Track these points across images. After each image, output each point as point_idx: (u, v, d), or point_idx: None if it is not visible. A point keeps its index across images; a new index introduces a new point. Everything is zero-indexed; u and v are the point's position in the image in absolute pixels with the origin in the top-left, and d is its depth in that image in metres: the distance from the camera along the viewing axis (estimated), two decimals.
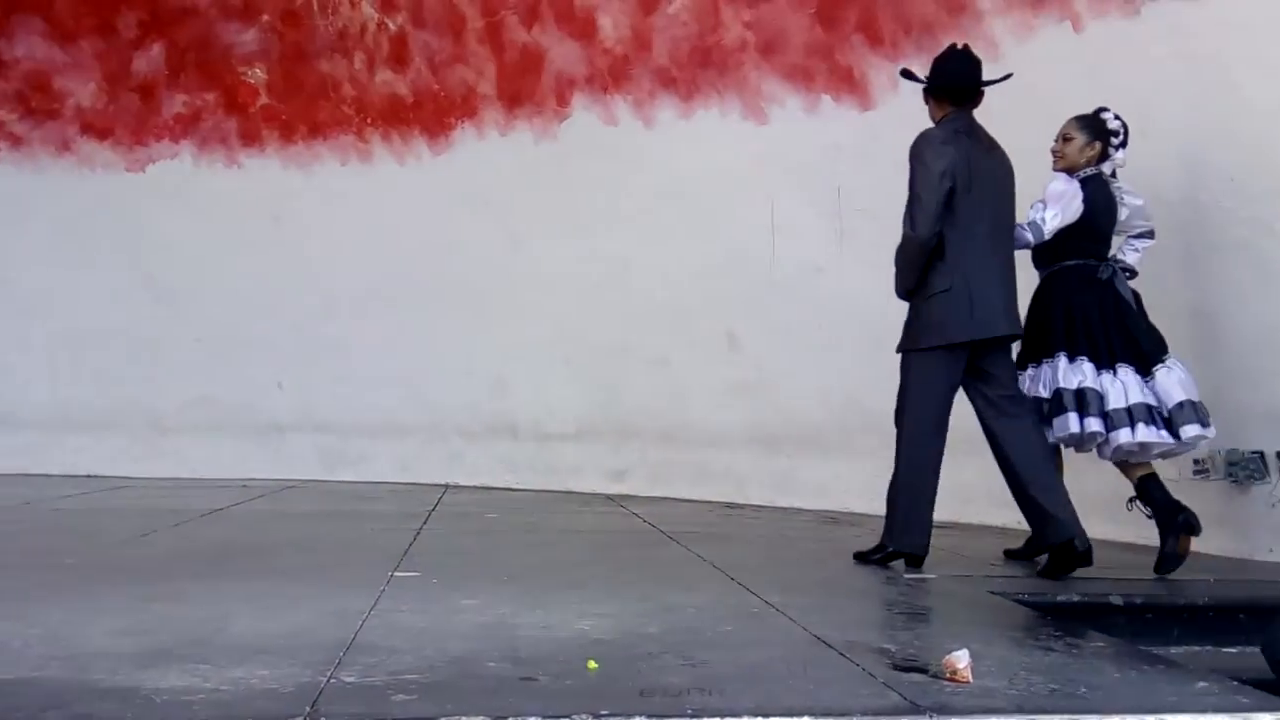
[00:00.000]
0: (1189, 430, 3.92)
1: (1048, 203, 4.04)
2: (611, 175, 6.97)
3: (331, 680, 2.26)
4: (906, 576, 3.87)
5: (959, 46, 4.20)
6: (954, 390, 3.99)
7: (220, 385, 7.99)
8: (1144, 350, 4.02)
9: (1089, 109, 4.21)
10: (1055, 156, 4.21)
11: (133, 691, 2.16)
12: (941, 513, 4.09)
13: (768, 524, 5.64)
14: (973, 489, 4.78)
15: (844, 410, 5.98)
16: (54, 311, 8.00)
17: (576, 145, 7.25)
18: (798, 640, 2.79)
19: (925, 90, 4.12)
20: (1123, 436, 3.90)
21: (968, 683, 2.33)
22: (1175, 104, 4.61)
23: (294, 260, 7.95)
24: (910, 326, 4.04)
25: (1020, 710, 2.16)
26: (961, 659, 2.38)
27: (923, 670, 2.44)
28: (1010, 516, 4.34)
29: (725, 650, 2.64)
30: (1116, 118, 4.17)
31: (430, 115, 7.87)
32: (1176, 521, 3.90)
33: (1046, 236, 4.03)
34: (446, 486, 7.47)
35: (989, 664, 2.48)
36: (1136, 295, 4.15)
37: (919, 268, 3.93)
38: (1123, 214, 4.21)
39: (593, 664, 2.43)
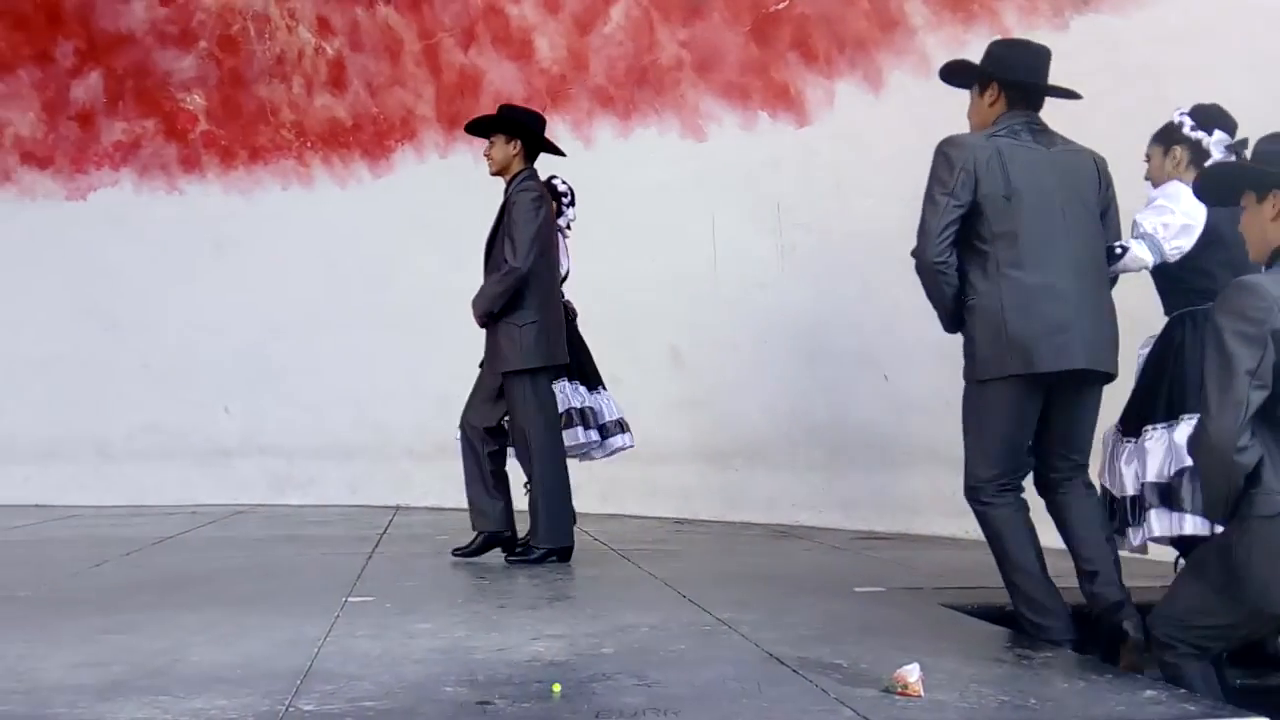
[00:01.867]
0: None
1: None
2: None
3: (290, 709, 2.30)
4: (857, 590, 3.94)
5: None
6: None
7: (167, 411, 7.93)
8: None
9: None
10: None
11: None
12: (890, 524, 4.18)
13: (717, 539, 5.73)
14: (920, 499, 4.89)
15: (789, 424, 6.09)
16: None
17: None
18: (750, 657, 2.85)
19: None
20: None
21: (919, 696, 2.37)
22: (1105, 117, 4.74)
23: (238, 285, 7.91)
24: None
25: None
26: (912, 673, 2.41)
27: (874, 685, 2.47)
28: (960, 526, 4.41)
29: (679, 669, 2.70)
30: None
31: (370, 138, 7.89)
32: None
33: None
34: (397, 508, 7.47)
35: (940, 677, 2.52)
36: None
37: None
38: None
39: (557, 688, 2.47)
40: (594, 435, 4.99)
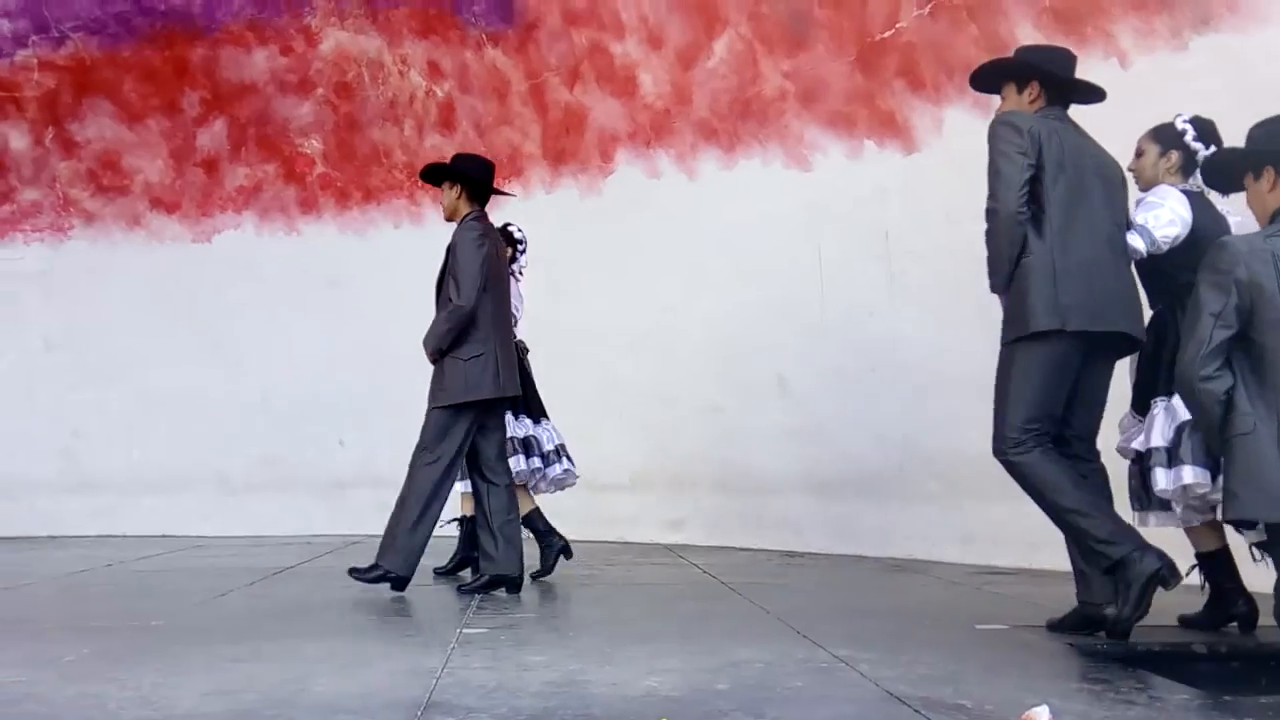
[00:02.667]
0: None
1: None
2: (656, 227, 7.09)
3: None
4: (979, 627, 3.83)
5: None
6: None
7: (284, 444, 8.18)
8: None
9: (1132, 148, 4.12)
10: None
11: None
12: (1010, 558, 4.05)
13: (828, 572, 5.63)
14: (1041, 533, 4.73)
15: (901, 454, 5.97)
16: (128, 377, 8.26)
17: (621, 200, 7.39)
18: (869, 696, 2.78)
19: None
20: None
21: None
22: (1228, 138, 4.61)
23: (352, 321, 8.14)
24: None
25: None
26: (1042, 714, 2.33)
27: None
28: None
29: (797, 707, 2.65)
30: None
31: None
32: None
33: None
34: None
35: (1070, 719, 2.44)
36: None
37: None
38: None
39: None
40: (536, 463, 5.27)
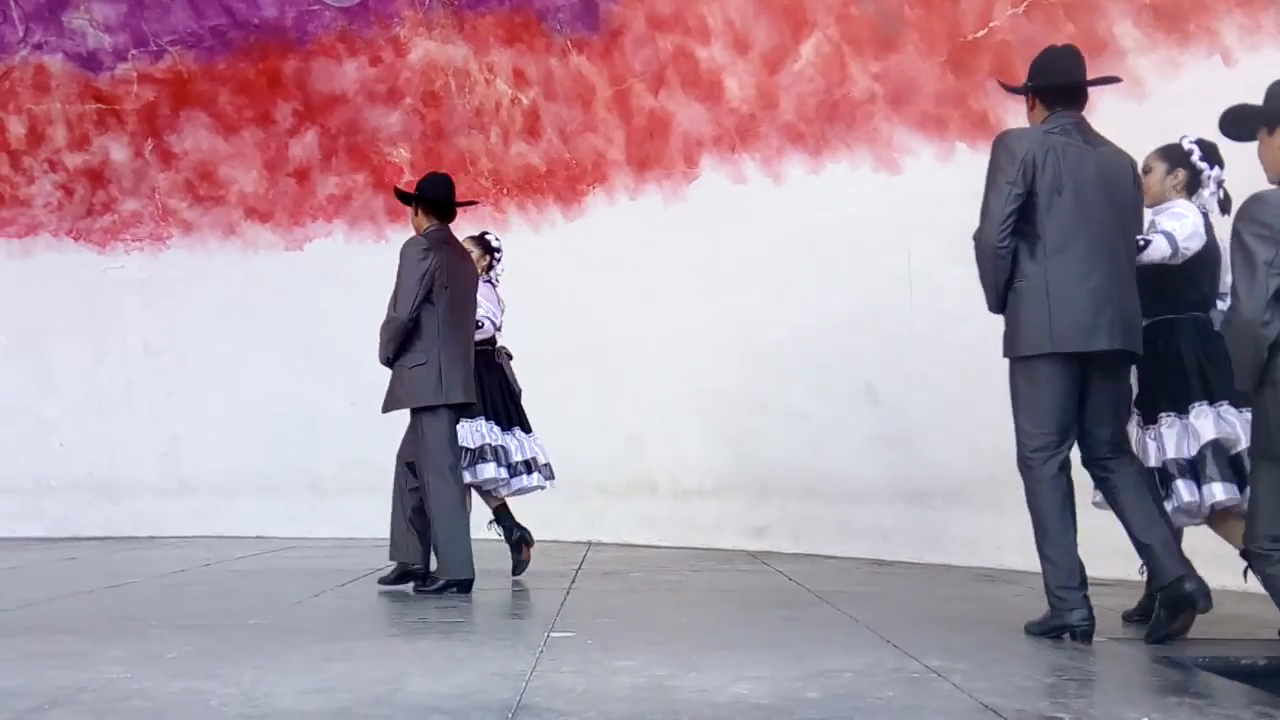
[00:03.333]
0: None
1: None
2: (742, 232, 7.04)
3: None
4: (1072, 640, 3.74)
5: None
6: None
7: (372, 447, 8.28)
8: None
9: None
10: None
11: None
12: (1105, 569, 3.96)
13: (918, 582, 5.53)
14: None
15: (994, 462, 5.81)
16: (224, 382, 8.49)
17: (706, 205, 7.36)
18: (964, 708, 2.73)
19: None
20: None
21: None
22: None
23: None
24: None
25: None
26: None
27: None
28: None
29: (890, 717, 2.61)
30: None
31: (563, 183, 8.11)
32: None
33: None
34: (589, 544, 7.57)
35: None
36: None
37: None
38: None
39: None
40: (503, 473, 5.39)
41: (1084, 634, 3.60)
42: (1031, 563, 5.49)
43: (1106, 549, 3.98)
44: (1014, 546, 5.66)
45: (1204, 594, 3.51)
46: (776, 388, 6.87)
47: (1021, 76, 3.97)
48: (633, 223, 7.71)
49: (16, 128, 8.83)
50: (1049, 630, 3.70)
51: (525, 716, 2.58)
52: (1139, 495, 3.67)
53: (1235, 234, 3.12)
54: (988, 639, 3.79)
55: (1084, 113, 3.78)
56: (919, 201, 6.18)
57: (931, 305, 6.20)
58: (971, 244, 3.73)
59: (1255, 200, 3.14)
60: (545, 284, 8.00)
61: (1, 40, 8.65)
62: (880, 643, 3.64)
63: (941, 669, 3.16)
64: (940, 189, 6.12)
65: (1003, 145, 3.63)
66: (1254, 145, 3.33)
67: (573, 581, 5.46)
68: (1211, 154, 3.96)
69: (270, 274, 8.61)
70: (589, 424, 7.70)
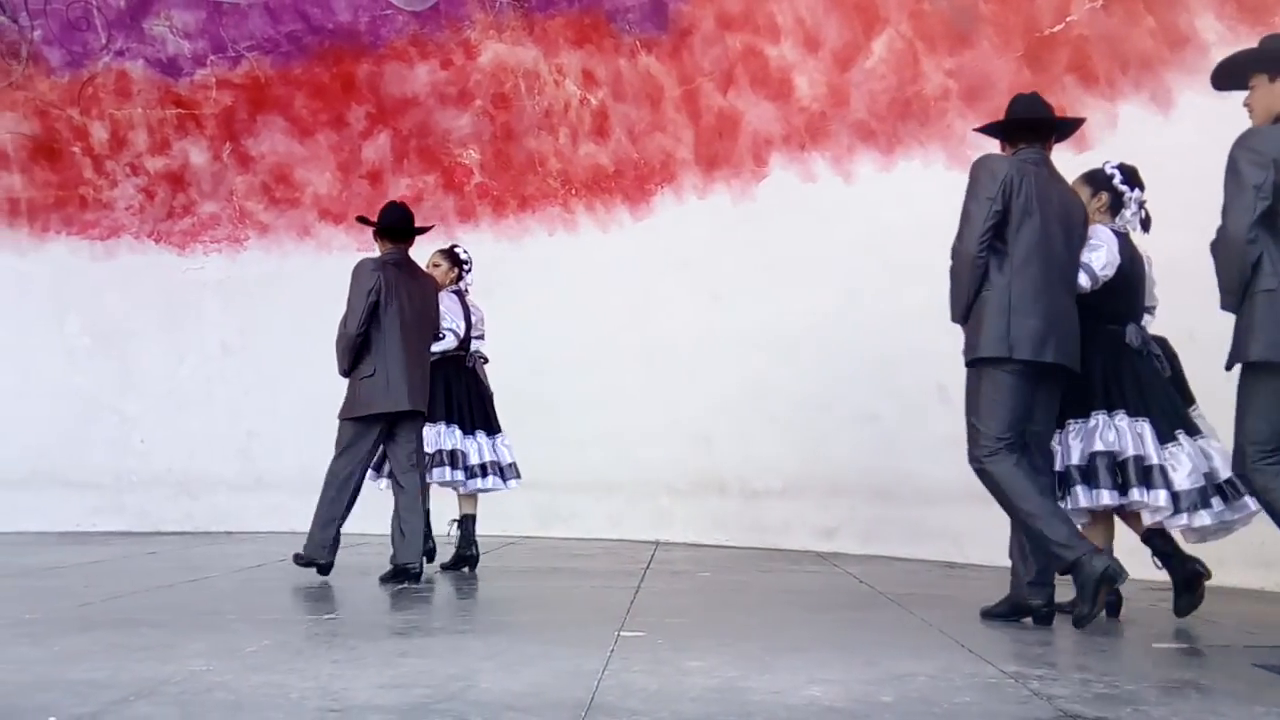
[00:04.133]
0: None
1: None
2: (811, 231, 7.00)
3: None
4: (1155, 646, 3.66)
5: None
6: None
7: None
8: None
9: None
10: None
11: None
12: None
13: (992, 584, 5.40)
14: (1222, 548, 4.49)
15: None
16: (298, 380, 8.63)
17: (775, 203, 7.33)
18: (1044, 714, 2.67)
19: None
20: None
21: None
22: None
23: (507, 326, 8.28)
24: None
25: None
26: None
27: None
28: (1267, 578, 4.05)
29: None
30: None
31: (631, 183, 8.13)
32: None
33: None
34: (657, 543, 7.58)
35: None
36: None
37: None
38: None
39: None
40: (459, 475, 5.78)
41: (1113, 576, 3.73)
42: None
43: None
44: None
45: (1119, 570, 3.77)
46: (846, 387, 6.81)
47: (1100, 73, 3.95)
48: (701, 222, 7.70)
49: (100, 133, 9.09)
50: (1016, 609, 4.03)
51: (598, 715, 2.59)
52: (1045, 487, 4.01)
53: (1231, 160, 3.37)
54: (1065, 644, 3.72)
55: (1171, 108, 3.87)
56: None
57: None
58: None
59: (1251, 132, 3.42)
60: (613, 284, 8.03)
61: (85, 47, 8.90)
62: (954, 646, 3.59)
63: (1018, 674, 3.10)
64: None
65: (985, 166, 3.98)
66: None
67: (641, 581, 5.46)
68: (1132, 177, 4.33)
69: (343, 275, 8.67)
70: (657, 424, 7.72)
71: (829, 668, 3.19)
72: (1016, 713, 2.68)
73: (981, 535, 6.18)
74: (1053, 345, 3.88)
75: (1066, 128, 4.27)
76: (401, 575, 5.29)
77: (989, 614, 4.15)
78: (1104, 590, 3.74)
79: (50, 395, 9.05)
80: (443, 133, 8.55)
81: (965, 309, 4.01)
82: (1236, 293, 3.36)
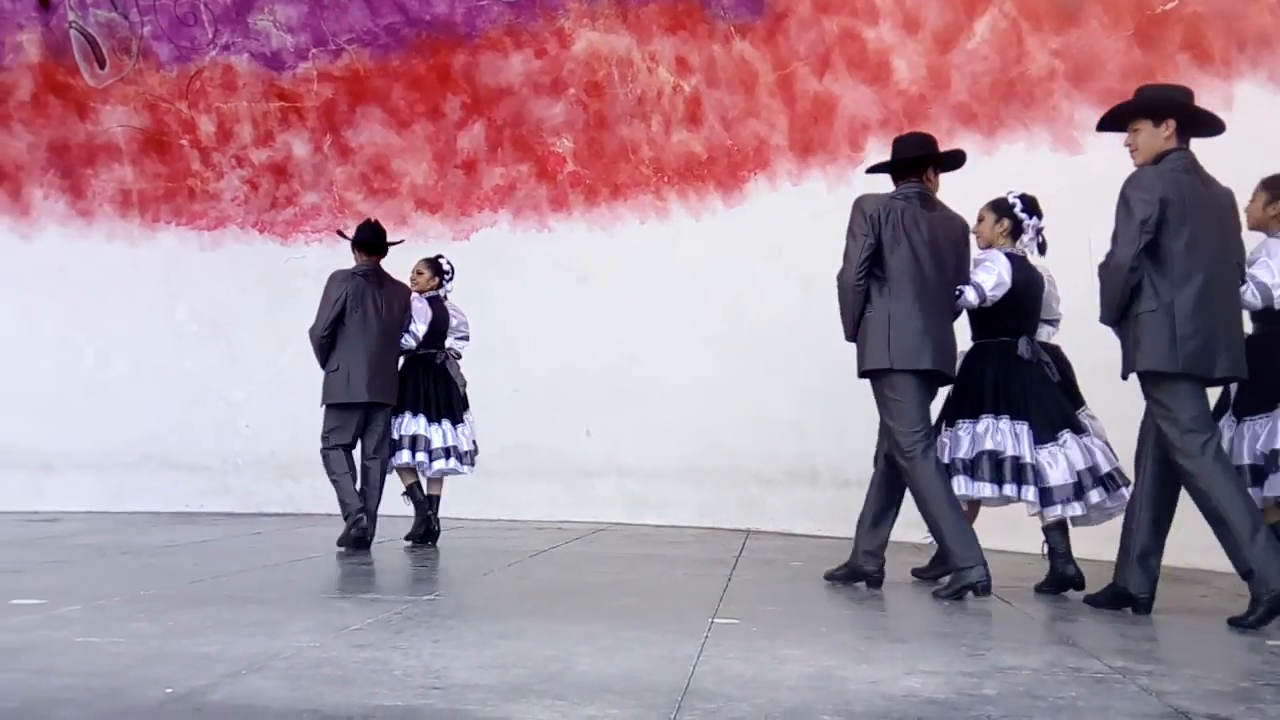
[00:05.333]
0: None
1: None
2: None
3: None
4: (1270, 644, 3.53)
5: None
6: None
7: (535, 433, 8.50)
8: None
9: None
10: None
11: None
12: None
13: (1095, 579, 5.29)
14: None
15: None
16: None
17: (872, 189, 7.18)
18: (1153, 711, 2.60)
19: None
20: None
21: None
22: None
23: (599, 314, 8.36)
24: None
25: None
26: None
27: None
28: None
29: (1073, 717, 2.51)
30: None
31: (724, 170, 8.09)
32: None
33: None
34: (748, 532, 7.55)
35: None
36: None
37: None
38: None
39: None
40: (422, 458, 6.41)
41: (981, 589, 4.40)
42: (1220, 561, 5.23)
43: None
44: (1200, 546, 5.36)
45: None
46: None
47: (1214, 51, 3.82)
48: (794, 209, 7.62)
49: (206, 125, 9.37)
50: (955, 592, 4.45)
51: (695, 700, 2.58)
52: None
53: (1123, 197, 3.91)
54: (1175, 640, 3.62)
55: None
56: (1100, 183, 5.85)
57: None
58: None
59: (1142, 172, 3.97)
60: (706, 271, 8.00)
61: (193, 42, 9.18)
62: (1058, 640, 3.51)
63: (1126, 670, 3.02)
64: (1124, 170, 5.80)
65: (858, 206, 4.60)
66: None
67: (733, 569, 5.44)
68: (1031, 206, 4.89)
69: None
70: (747, 412, 7.68)
71: (928, 659, 3.14)
72: (1125, 708, 2.61)
73: (1087, 528, 6.03)
74: (929, 354, 4.46)
75: (948, 161, 4.82)
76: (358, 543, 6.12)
77: (918, 573, 5.10)
78: (966, 593, 4.41)
79: (161, 380, 9.38)
80: (536, 122, 8.61)
81: (853, 328, 4.58)
82: (1116, 310, 3.93)
